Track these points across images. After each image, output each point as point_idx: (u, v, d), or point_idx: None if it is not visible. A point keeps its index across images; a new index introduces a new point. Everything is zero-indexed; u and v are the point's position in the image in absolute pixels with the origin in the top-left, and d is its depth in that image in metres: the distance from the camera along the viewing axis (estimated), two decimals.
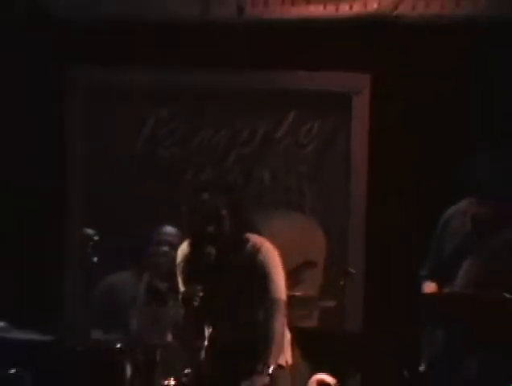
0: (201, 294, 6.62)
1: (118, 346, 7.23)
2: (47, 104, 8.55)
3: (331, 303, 8.02)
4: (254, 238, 6.73)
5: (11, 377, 7.15)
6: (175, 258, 7.28)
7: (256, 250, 6.68)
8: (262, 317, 6.66)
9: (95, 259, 7.40)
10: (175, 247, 7.56)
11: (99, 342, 7.55)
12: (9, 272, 7.90)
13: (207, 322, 6.82)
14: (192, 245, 6.85)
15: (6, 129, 8.38)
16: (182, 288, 6.87)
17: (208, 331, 6.84)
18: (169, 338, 7.68)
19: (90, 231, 7.47)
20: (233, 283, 6.70)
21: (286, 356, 6.75)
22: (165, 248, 7.88)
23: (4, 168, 8.38)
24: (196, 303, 6.63)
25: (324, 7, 8.37)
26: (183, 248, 6.87)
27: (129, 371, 7.21)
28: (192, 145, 8.73)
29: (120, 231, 8.21)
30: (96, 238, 7.44)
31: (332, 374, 7.21)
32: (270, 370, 6.45)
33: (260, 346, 6.62)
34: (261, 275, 6.64)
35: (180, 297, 6.80)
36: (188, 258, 6.83)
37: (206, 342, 6.76)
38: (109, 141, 8.79)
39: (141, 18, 8.43)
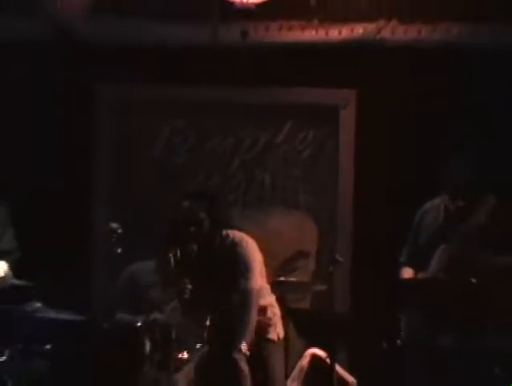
0: (189, 287, 6.83)
1: (139, 324, 7.29)
2: (79, 117, 8.47)
3: (322, 287, 8.05)
4: (235, 233, 6.89)
5: (47, 352, 7.09)
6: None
7: (235, 243, 6.78)
8: (238, 303, 6.67)
9: (119, 250, 7.30)
10: None
11: (122, 322, 7.49)
12: (47, 261, 7.78)
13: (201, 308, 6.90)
14: (178, 245, 7.01)
15: (43, 137, 8.29)
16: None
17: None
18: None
19: (115, 225, 7.39)
20: (216, 274, 6.82)
21: (278, 331, 6.90)
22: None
23: (46, 173, 8.29)
24: (186, 295, 6.84)
25: (316, 32, 8.33)
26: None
27: (148, 346, 7.26)
28: (202, 151, 8.72)
29: (141, 225, 8.13)
30: (119, 231, 7.36)
31: (323, 348, 7.27)
32: (243, 348, 6.54)
33: (236, 328, 6.64)
34: (239, 264, 6.67)
35: (176, 291, 7.02)
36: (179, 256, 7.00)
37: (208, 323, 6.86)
38: (130, 148, 8.75)
39: (159, 42, 8.34)
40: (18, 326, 7.00)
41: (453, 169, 7.04)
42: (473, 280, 6.77)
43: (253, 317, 6.61)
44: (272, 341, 6.85)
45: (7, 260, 7.14)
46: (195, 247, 6.85)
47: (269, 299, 6.94)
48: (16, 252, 7.20)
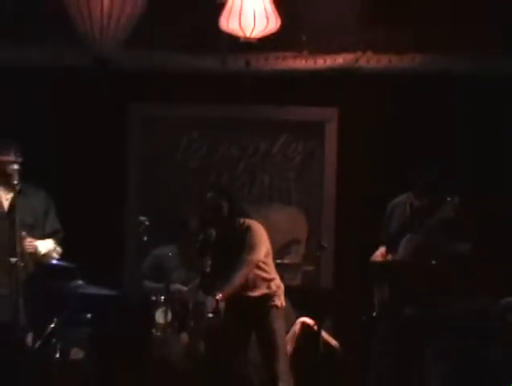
0: (209, 262, 6.86)
1: (162, 298, 7.37)
2: (115, 129, 8.50)
3: (310, 268, 8.09)
4: (248, 221, 6.90)
5: (88, 320, 7.25)
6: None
7: (247, 228, 6.81)
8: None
9: (145, 238, 7.41)
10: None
11: (149, 296, 7.52)
12: (89, 247, 7.79)
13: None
14: (202, 229, 7.03)
15: (87, 144, 8.29)
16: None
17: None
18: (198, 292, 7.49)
19: (142, 217, 7.49)
20: (230, 252, 6.83)
21: (281, 301, 6.92)
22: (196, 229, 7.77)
23: (91, 174, 8.33)
24: (207, 269, 6.89)
25: (306, 61, 8.30)
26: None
27: (169, 316, 7.35)
28: (213, 157, 8.74)
29: (164, 218, 8.04)
30: (146, 222, 7.44)
31: (312, 317, 7.36)
32: (217, 296, 6.57)
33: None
34: (247, 243, 6.75)
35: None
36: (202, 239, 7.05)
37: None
38: (156, 155, 8.76)
39: (179, 69, 8.29)
40: (65, 299, 6.98)
41: (417, 173, 7.10)
42: (433, 262, 6.84)
43: (238, 280, 6.69)
44: (276, 307, 6.89)
45: (53, 239, 6.99)
46: (215, 230, 6.87)
47: (274, 275, 6.97)
48: (60, 233, 7.04)
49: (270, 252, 7.01)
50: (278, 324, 6.96)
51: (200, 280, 7.20)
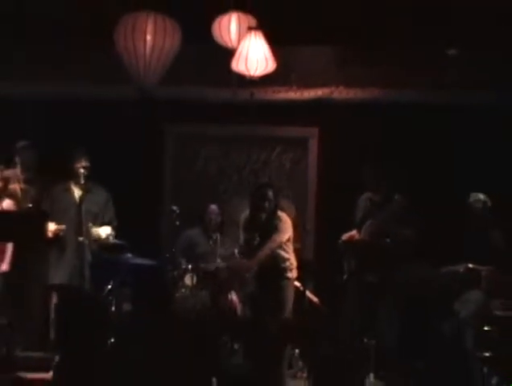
0: (258, 239, 6.78)
1: (190, 266, 7.43)
2: (154, 145, 8.48)
3: (297, 245, 7.69)
4: (280, 213, 6.82)
5: (134, 282, 7.19)
6: (219, 221, 7.65)
7: (279, 218, 6.75)
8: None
9: (177, 222, 7.53)
10: (217, 215, 7.84)
11: (181, 265, 7.51)
12: (135, 229, 7.44)
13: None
14: (252, 212, 6.85)
15: (137, 155, 8.24)
16: (242, 235, 6.97)
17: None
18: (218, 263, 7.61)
19: (175, 207, 7.57)
20: (267, 233, 6.77)
21: (293, 274, 6.85)
22: (213, 216, 7.88)
23: (138, 176, 8.22)
24: (255, 242, 6.79)
25: (295, 93, 8.29)
26: (245, 214, 6.96)
27: (195, 280, 7.38)
28: (225, 165, 8.71)
29: (190, 208, 7.99)
30: (177, 211, 7.52)
31: (299, 281, 7.15)
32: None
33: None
34: (277, 229, 6.70)
35: (244, 239, 6.93)
36: (249, 219, 6.88)
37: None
38: (184, 163, 8.73)
39: (200, 99, 8.26)
40: (118, 267, 7.07)
41: (374, 177, 7.21)
42: (387, 240, 6.96)
43: (266, 252, 6.65)
44: (288, 278, 6.81)
45: (110, 226, 7.13)
46: (264, 215, 6.78)
47: (291, 255, 6.87)
48: (115, 221, 7.20)
49: (291, 238, 6.90)
50: (289, 291, 6.84)
51: (243, 249, 7.02)
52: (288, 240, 6.90)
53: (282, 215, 6.87)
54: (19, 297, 6.72)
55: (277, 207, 6.87)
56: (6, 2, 7.49)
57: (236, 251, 7.31)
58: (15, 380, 6.10)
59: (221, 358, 6.70)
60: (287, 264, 6.85)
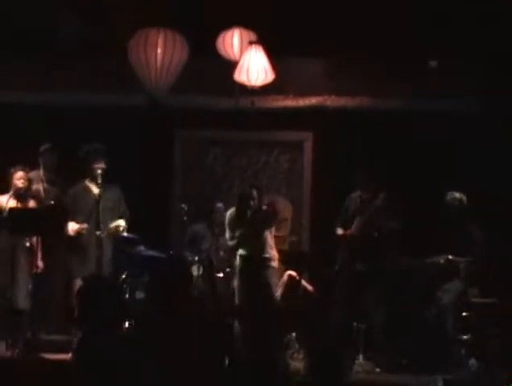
0: (243, 233, 6.90)
1: (196, 258, 7.40)
2: (165, 147, 8.45)
3: (294, 238, 8.08)
4: (266, 207, 6.99)
5: (147, 271, 6.88)
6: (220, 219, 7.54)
7: (267, 212, 6.92)
8: None
9: (185, 219, 7.52)
10: (222, 213, 7.70)
11: (187, 256, 7.46)
12: (148, 224, 7.44)
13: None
14: (238, 210, 6.98)
15: (146, 157, 8.16)
16: (228, 232, 7.06)
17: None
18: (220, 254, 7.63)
19: (183, 205, 7.57)
20: (257, 227, 6.91)
21: (276, 263, 7.00)
22: (219, 214, 7.78)
23: (154, 176, 8.17)
24: (241, 239, 6.94)
25: (292, 101, 8.28)
26: (231, 212, 7.07)
27: (201, 270, 7.35)
28: (230, 165, 8.65)
29: (197, 206, 7.95)
30: (185, 209, 7.51)
31: (295, 271, 7.20)
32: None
33: None
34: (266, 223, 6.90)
35: (229, 236, 7.04)
36: (235, 216, 6.99)
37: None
38: (192, 165, 8.67)
39: (207, 106, 8.24)
40: (132, 258, 7.03)
41: (363, 177, 7.15)
42: (375, 234, 6.93)
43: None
44: (274, 267, 6.96)
45: (124, 218, 7.06)
46: (249, 212, 6.90)
47: (274, 247, 7.01)
48: (128, 214, 7.09)
49: (273, 232, 7.04)
50: (275, 277, 6.94)
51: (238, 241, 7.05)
52: (276, 230, 7.04)
53: (270, 209, 6.97)
54: (44, 285, 6.65)
55: (261, 205, 6.95)
56: (32, 17, 7.45)
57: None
58: (39, 361, 6.09)
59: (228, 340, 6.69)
60: (272, 254, 6.94)
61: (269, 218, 7.01)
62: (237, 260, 7.07)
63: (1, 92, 8.19)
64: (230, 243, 7.13)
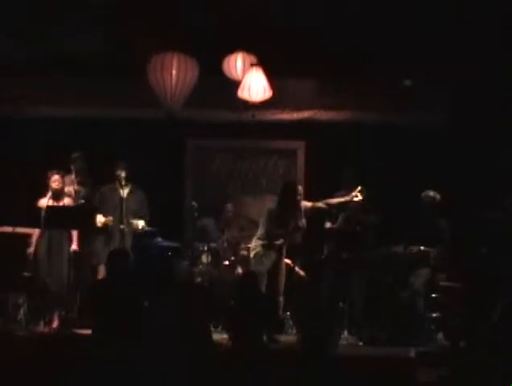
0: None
1: (205, 248, 7.38)
2: (178, 155, 8.42)
3: None
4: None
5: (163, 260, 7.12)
6: (229, 216, 7.45)
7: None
8: None
9: (196, 214, 7.49)
10: (229, 211, 7.68)
11: (196, 246, 7.43)
12: (163, 220, 7.23)
13: None
14: (284, 201, 6.62)
15: (164, 163, 8.13)
16: (266, 225, 6.62)
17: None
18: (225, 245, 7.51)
19: (194, 203, 7.56)
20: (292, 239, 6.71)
21: (284, 251, 6.75)
22: (229, 213, 7.75)
23: (165, 181, 8.05)
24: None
25: (287, 114, 8.20)
26: (271, 209, 6.75)
27: (209, 257, 7.35)
28: (234, 169, 8.56)
29: (206, 203, 7.91)
30: (196, 206, 7.49)
31: (290, 259, 7.02)
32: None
33: None
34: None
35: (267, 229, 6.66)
36: (277, 211, 6.64)
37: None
38: (201, 169, 8.60)
39: (213, 120, 8.20)
40: (150, 248, 7.04)
41: (347, 178, 7.13)
42: (358, 228, 6.88)
43: None
44: (283, 254, 6.70)
45: (144, 220, 7.02)
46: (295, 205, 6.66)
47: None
48: (148, 216, 7.06)
49: None
50: (282, 264, 6.76)
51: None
52: None
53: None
54: (75, 270, 6.64)
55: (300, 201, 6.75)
56: (70, 42, 7.43)
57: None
58: (72, 336, 6.08)
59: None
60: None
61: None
62: (254, 244, 6.74)
63: (40, 107, 8.16)
64: (261, 241, 6.67)
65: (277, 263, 6.66)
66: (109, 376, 4.54)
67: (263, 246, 6.68)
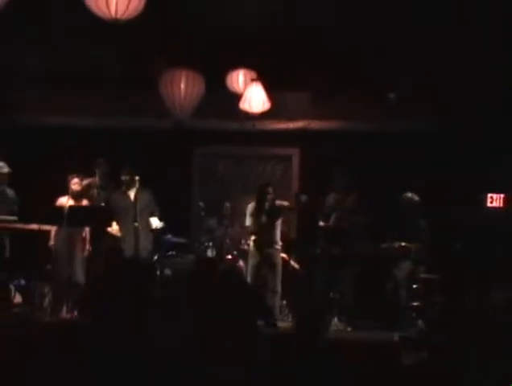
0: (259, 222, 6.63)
1: (210, 244, 7.39)
2: (187, 160, 8.44)
3: (285, 228, 7.33)
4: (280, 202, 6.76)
5: (173, 253, 7.25)
6: (230, 213, 7.34)
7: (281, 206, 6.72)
8: None
9: (203, 213, 7.51)
10: (228, 209, 7.51)
11: (204, 242, 7.45)
12: (172, 219, 7.18)
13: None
14: (257, 201, 6.73)
15: (174, 167, 8.10)
16: (249, 219, 6.74)
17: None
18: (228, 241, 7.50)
19: (201, 203, 7.58)
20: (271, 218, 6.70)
21: (280, 246, 6.75)
22: (227, 211, 7.57)
23: (175, 183, 8.03)
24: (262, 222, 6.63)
25: (283, 124, 8.25)
26: (252, 204, 6.77)
27: (214, 252, 7.37)
28: (236, 173, 8.59)
29: (211, 204, 7.76)
30: (202, 206, 7.51)
31: (286, 253, 7.00)
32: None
33: None
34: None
35: (250, 221, 6.73)
36: (255, 208, 6.72)
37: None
38: (207, 173, 8.64)
39: (218, 128, 8.21)
40: (162, 244, 7.09)
41: (336, 180, 7.09)
42: (347, 226, 6.84)
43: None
44: (278, 249, 6.73)
45: (156, 216, 6.98)
46: (266, 204, 6.66)
47: (279, 234, 6.78)
48: (158, 211, 6.95)
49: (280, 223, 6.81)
50: (279, 259, 6.75)
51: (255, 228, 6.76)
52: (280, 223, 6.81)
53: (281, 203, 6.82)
54: (94, 264, 6.68)
55: (274, 199, 6.76)
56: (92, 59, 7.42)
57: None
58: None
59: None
60: (277, 239, 6.78)
61: (282, 211, 6.75)
62: (251, 243, 6.79)
63: (62, 117, 8.18)
64: (250, 228, 6.82)
65: (270, 257, 6.66)
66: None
67: (254, 241, 6.70)
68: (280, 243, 6.79)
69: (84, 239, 6.70)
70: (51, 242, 6.65)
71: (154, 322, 3.93)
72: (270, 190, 6.75)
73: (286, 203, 6.83)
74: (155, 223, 6.98)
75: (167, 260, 7.14)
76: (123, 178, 6.90)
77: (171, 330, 3.81)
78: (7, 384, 3.95)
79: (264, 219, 6.66)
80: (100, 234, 6.82)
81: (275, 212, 6.71)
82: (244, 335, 3.40)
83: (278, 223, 6.78)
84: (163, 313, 3.98)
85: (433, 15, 6.22)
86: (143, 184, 6.96)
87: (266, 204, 6.68)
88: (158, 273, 6.91)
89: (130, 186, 6.88)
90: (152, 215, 7.01)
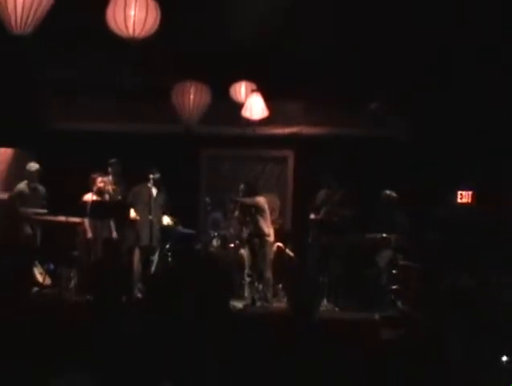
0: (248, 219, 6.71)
1: (216, 234, 7.55)
2: (193, 161, 8.43)
3: (280, 221, 7.86)
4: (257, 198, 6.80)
5: (181, 244, 7.16)
6: (233, 208, 7.29)
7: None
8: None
9: (209, 208, 7.55)
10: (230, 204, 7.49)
11: (210, 233, 7.54)
12: (182, 212, 7.27)
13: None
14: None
15: (183, 167, 8.07)
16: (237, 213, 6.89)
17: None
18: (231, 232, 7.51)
19: (207, 199, 7.61)
20: (251, 213, 6.74)
21: (272, 238, 6.85)
22: (231, 205, 7.59)
23: (184, 182, 7.98)
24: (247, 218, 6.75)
25: (280, 130, 8.25)
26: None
27: (219, 242, 7.47)
28: (238, 173, 8.40)
29: (216, 200, 7.74)
30: (209, 201, 7.57)
31: (282, 242, 7.25)
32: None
33: None
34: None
35: (238, 214, 6.85)
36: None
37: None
38: (213, 173, 8.62)
39: (222, 134, 8.16)
40: (172, 235, 7.11)
41: (326, 178, 7.12)
42: (336, 219, 6.89)
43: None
44: (269, 241, 6.79)
45: (167, 216, 7.09)
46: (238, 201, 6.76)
47: (270, 227, 6.83)
48: (169, 211, 7.07)
49: (269, 216, 6.83)
50: (269, 249, 6.79)
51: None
52: (270, 214, 6.81)
53: (259, 199, 6.73)
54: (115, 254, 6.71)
55: (254, 195, 6.66)
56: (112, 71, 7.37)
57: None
58: None
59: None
60: (268, 232, 6.76)
61: (247, 206, 6.72)
62: (245, 235, 6.90)
63: (86, 123, 8.19)
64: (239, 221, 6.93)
65: (258, 246, 6.66)
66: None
67: (248, 233, 6.74)
68: (270, 234, 6.74)
69: (110, 228, 6.78)
70: (89, 234, 6.65)
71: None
72: (241, 187, 6.74)
73: (249, 201, 6.80)
74: (166, 220, 7.08)
75: (185, 249, 7.21)
76: (152, 175, 6.84)
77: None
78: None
79: (236, 213, 6.74)
80: (121, 224, 6.84)
81: (243, 208, 6.70)
82: (217, 314, 3.28)
83: (265, 217, 6.72)
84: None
85: (416, 34, 6.22)
86: (163, 184, 7.04)
87: (239, 201, 6.71)
88: (169, 259, 6.97)
89: (156, 183, 6.92)
90: (165, 213, 7.06)
